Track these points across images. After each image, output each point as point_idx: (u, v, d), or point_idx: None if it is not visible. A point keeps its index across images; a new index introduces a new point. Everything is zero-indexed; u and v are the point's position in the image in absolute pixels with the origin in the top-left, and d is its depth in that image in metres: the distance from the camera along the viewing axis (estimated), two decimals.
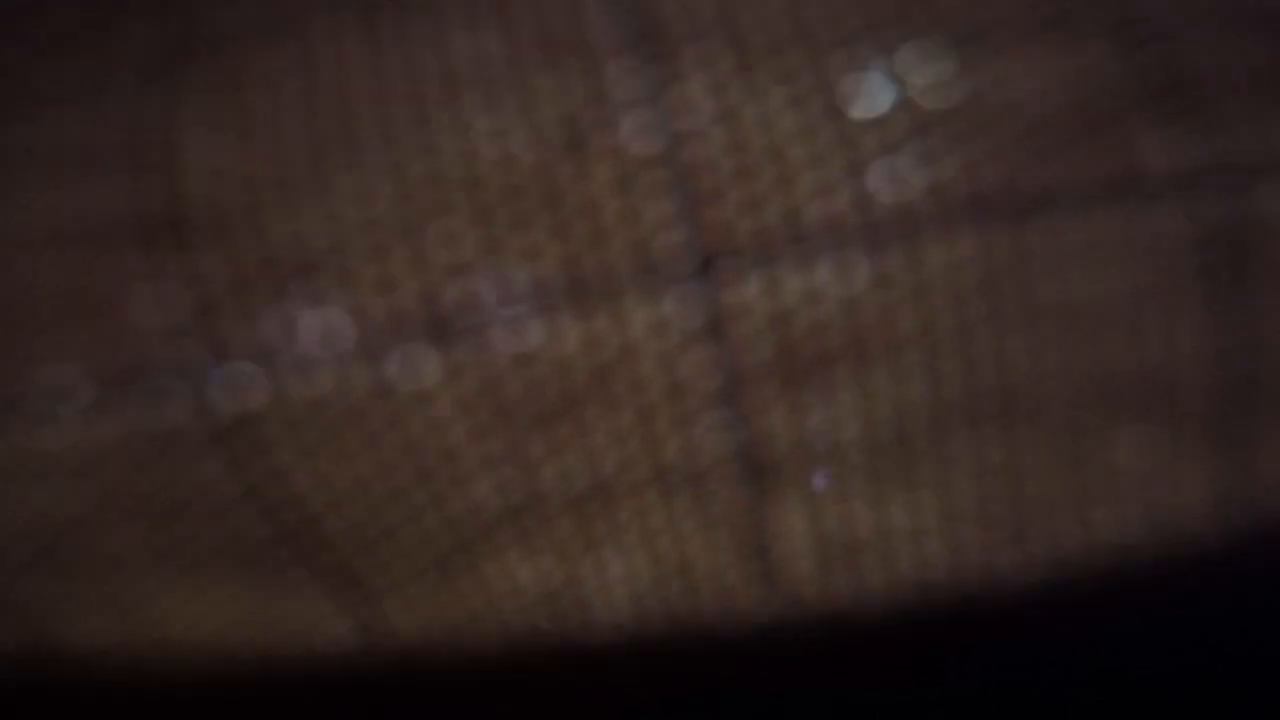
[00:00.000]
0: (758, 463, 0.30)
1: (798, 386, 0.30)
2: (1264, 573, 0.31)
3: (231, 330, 0.29)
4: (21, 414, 0.30)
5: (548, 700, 0.31)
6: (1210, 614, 0.32)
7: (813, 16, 0.30)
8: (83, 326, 0.29)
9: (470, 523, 0.30)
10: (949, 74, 0.30)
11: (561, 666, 0.31)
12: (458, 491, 0.30)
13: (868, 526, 0.31)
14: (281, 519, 0.30)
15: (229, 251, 0.29)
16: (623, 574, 0.31)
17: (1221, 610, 0.32)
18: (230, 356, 0.29)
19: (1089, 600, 0.31)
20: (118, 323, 0.29)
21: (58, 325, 0.30)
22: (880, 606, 0.31)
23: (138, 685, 0.31)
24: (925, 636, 0.31)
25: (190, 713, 0.31)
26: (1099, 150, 0.30)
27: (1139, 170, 0.30)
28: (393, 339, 0.30)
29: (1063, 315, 0.30)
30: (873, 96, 0.30)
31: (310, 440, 0.30)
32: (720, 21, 0.30)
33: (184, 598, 0.30)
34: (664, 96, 0.30)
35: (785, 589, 0.31)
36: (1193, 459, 0.31)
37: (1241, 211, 0.30)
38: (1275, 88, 0.30)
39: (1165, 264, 0.30)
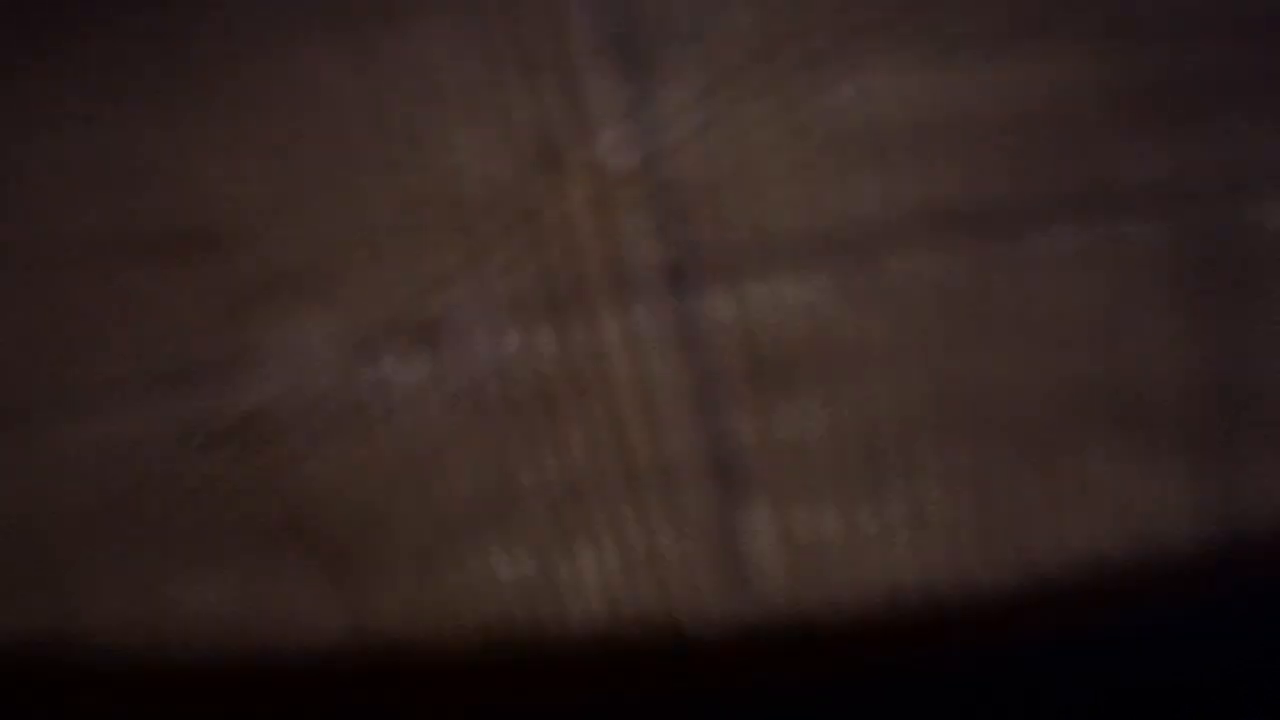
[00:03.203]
0: (727, 467, 0.32)
1: (766, 394, 0.31)
2: (1242, 582, 0.32)
3: (252, 332, 0.32)
4: (67, 408, 0.32)
5: (522, 688, 0.33)
6: (1187, 623, 0.32)
7: (783, 32, 0.31)
8: (119, 328, 0.32)
9: (453, 515, 0.32)
10: (916, 88, 0.31)
11: (536, 658, 0.32)
12: (442, 485, 0.32)
13: (836, 532, 0.32)
14: (289, 503, 0.32)
15: (253, 261, 0.32)
16: (596, 572, 0.32)
17: (1199, 619, 0.32)
18: (251, 355, 0.32)
19: (1062, 607, 0.32)
20: (152, 325, 0.32)
21: (104, 323, 0.32)
22: (849, 610, 0.32)
23: (154, 665, 0.33)
24: (893, 639, 0.32)
25: (198, 691, 0.33)
26: (1068, 160, 0.31)
27: (1109, 180, 0.31)
28: (387, 342, 0.31)
29: (1031, 325, 0.31)
30: (840, 113, 0.31)
31: (317, 430, 0.32)
32: (695, 39, 0.31)
33: (199, 580, 0.33)
34: (641, 112, 0.31)
35: (755, 591, 0.32)
36: (1169, 468, 0.32)
37: (1214, 222, 0.31)
38: (1253, 99, 0.31)
39: (1135, 273, 0.31)
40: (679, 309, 0.31)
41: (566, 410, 0.32)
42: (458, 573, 0.32)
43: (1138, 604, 0.32)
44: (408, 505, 0.32)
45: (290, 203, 0.32)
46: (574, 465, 0.32)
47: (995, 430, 0.32)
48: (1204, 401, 0.32)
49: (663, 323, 0.31)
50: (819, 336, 0.31)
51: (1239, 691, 0.32)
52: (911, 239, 0.31)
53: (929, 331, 0.31)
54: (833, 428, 0.32)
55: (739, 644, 0.32)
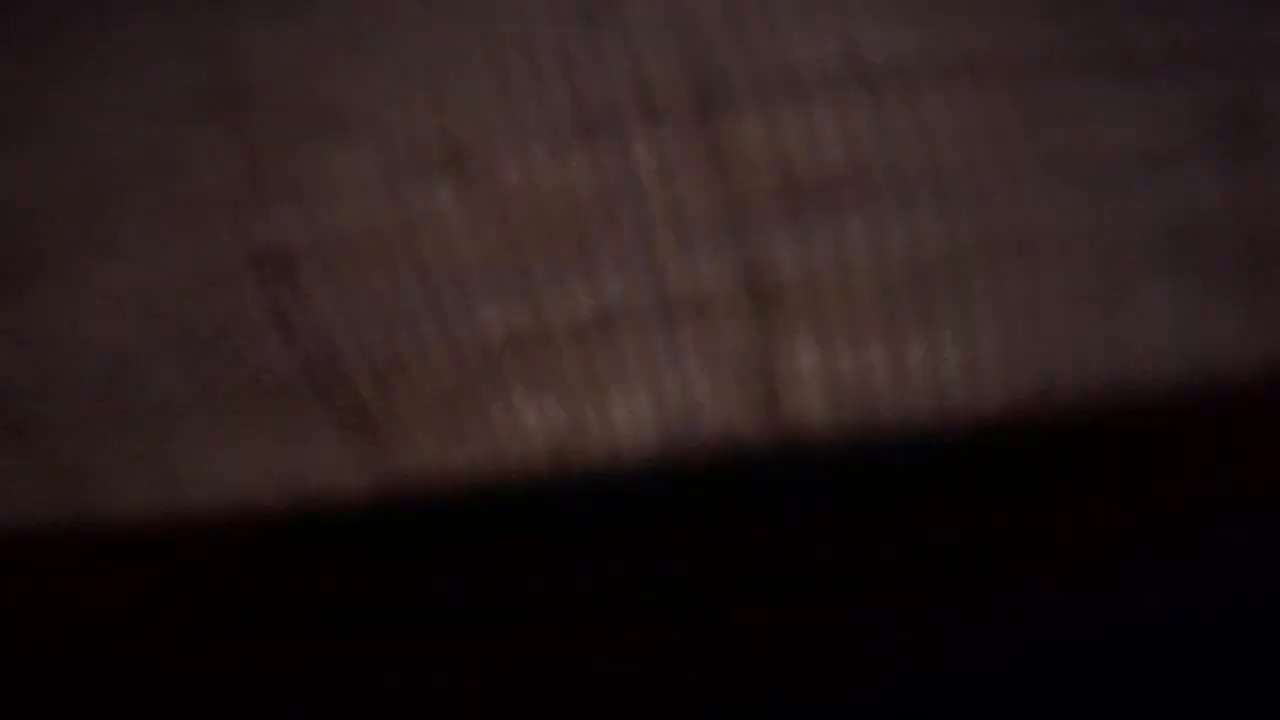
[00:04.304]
0: (762, 293, 0.31)
1: (800, 213, 0.31)
2: None
3: (274, 174, 0.32)
4: (98, 253, 0.32)
5: (547, 549, 0.32)
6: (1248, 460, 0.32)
7: None
8: (158, 180, 0.32)
9: (475, 353, 0.31)
10: None
11: (564, 517, 0.31)
12: (464, 317, 0.31)
13: (883, 369, 0.31)
14: (304, 349, 0.32)
15: (277, 111, 0.32)
16: (627, 417, 0.31)
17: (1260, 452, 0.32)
18: (272, 196, 0.32)
19: (1119, 448, 0.32)
20: (185, 175, 0.32)
21: (130, 178, 0.32)
22: (895, 448, 0.31)
23: (167, 540, 0.32)
24: (940, 479, 0.31)
25: (217, 565, 0.32)
26: (1089, 28, 0.31)
27: (1130, 47, 0.31)
28: (415, 174, 0.31)
29: (1073, 164, 0.31)
30: None
31: (337, 267, 0.31)
32: None
33: (217, 449, 0.32)
34: None
35: (793, 429, 0.31)
36: (1227, 306, 0.31)
37: (1241, 94, 0.31)
38: None
39: (1169, 129, 0.31)
40: (709, 133, 0.31)
41: (594, 229, 0.31)
42: (483, 426, 0.31)
43: (1209, 445, 0.32)
44: (428, 345, 0.32)
45: (318, 53, 0.32)
46: (601, 289, 0.31)
47: (1048, 265, 0.31)
48: (1255, 244, 0.31)
49: (692, 146, 0.31)
50: (858, 165, 0.31)
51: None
52: (941, 80, 0.31)
53: (975, 167, 0.31)
54: (875, 259, 0.31)
55: (778, 486, 0.32)
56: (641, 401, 0.31)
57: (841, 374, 0.31)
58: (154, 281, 0.32)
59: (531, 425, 0.31)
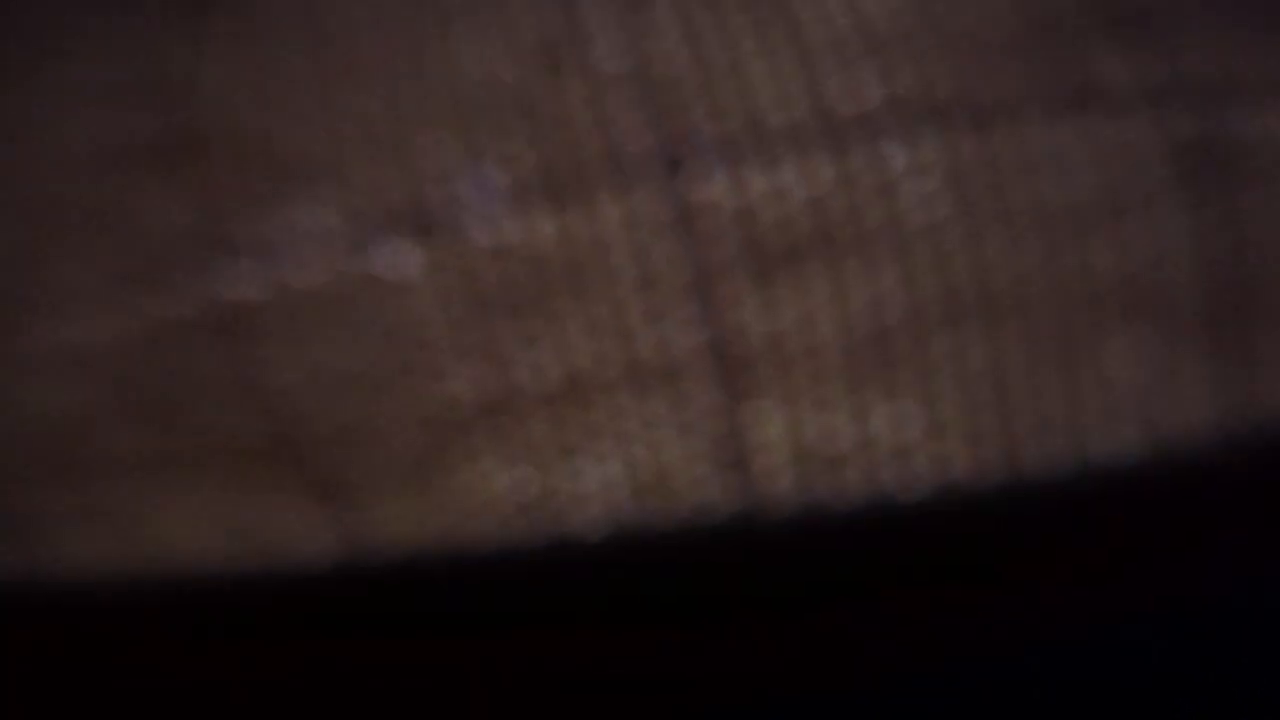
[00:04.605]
0: (731, 361, 0.31)
1: (768, 280, 0.31)
2: (1269, 486, 0.31)
3: (237, 229, 0.31)
4: (36, 310, 0.31)
5: (524, 612, 0.32)
6: (1211, 530, 0.31)
7: None
8: (105, 233, 0.31)
9: (446, 420, 0.31)
10: (901, 3, 0.31)
11: (539, 580, 0.31)
12: (434, 385, 0.31)
13: (847, 435, 0.31)
14: (274, 413, 0.31)
15: (238, 161, 0.31)
16: (599, 483, 0.31)
17: (1222, 525, 0.32)
18: (235, 252, 0.31)
19: (1082, 517, 0.32)
20: (135, 227, 0.31)
21: (81, 231, 0.31)
22: (860, 515, 0.31)
23: (132, 602, 0.32)
24: (910, 549, 0.31)
25: (180, 629, 0.32)
26: (1059, 66, 0.31)
27: (1101, 85, 0.31)
28: (381, 234, 0.31)
29: (1038, 217, 0.31)
30: (829, 20, 0.31)
31: (302, 329, 0.31)
32: None
33: (180, 507, 0.31)
34: (633, 22, 0.31)
35: (761, 496, 0.31)
36: (1190, 366, 0.31)
37: (1213, 129, 0.31)
38: (1234, 11, 0.31)
39: (1139, 173, 0.31)
40: (677, 196, 0.31)
41: (564, 299, 0.31)
42: (454, 490, 0.31)
43: (1165, 515, 0.31)
44: (399, 411, 0.31)
45: (281, 103, 0.31)
46: (571, 358, 0.31)
47: (1007, 325, 0.31)
48: (1223, 296, 0.32)
49: (660, 207, 0.31)
50: (824, 227, 0.31)
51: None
52: (907, 134, 0.31)
53: (937, 225, 0.31)
54: (840, 322, 0.31)
55: (745, 551, 0.32)
56: (613, 467, 0.31)
57: (807, 439, 0.31)
58: (103, 340, 0.31)
59: (502, 491, 0.31)
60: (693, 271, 0.31)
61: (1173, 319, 0.31)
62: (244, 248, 0.31)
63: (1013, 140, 0.31)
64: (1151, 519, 0.32)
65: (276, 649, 0.32)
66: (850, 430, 0.31)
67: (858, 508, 0.31)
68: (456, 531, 0.31)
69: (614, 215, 0.31)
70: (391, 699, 0.32)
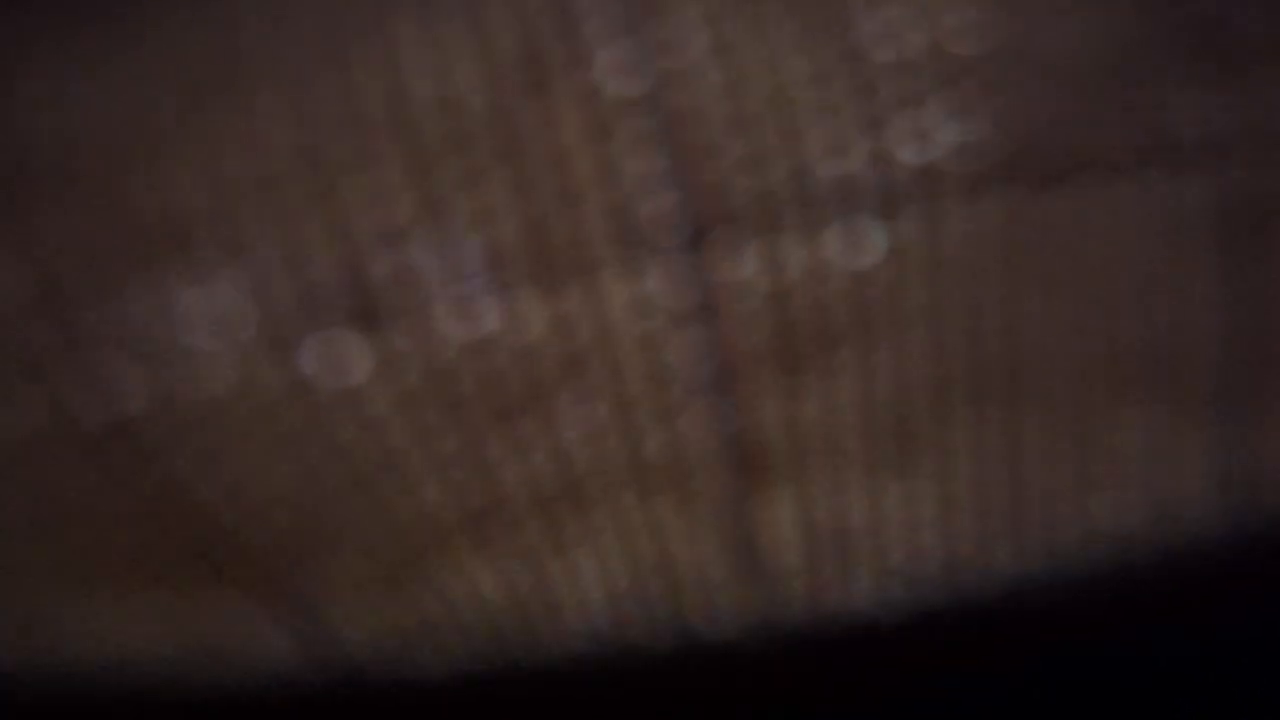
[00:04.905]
0: (747, 456, 0.26)
1: (796, 372, 0.26)
2: (1266, 562, 0.30)
3: (84, 314, 0.24)
4: None
5: (516, 715, 0.28)
6: (1211, 605, 0.30)
7: None
8: None
9: (420, 531, 0.26)
10: (982, 16, 0.25)
11: (530, 677, 0.27)
12: (403, 498, 0.26)
13: (861, 519, 0.27)
14: (192, 530, 0.25)
15: (79, 219, 0.24)
16: (597, 577, 0.27)
17: (1222, 600, 0.30)
18: (85, 347, 0.24)
19: (1086, 591, 0.29)
20: (13, 303, 0.24)
21: None
22: (871, 602, 0.28)
23: (47, 706, 0.27)
24: (918, 633, 0.29)
25: None
26: (1133, 112, 0.26)
27: (1170, 136, 0.26)
28: (306, 324, 0.24)
29: (1077, 287, 0.26)
30: (897, 37, 0.25)
31: (210, 446, 0.25)
32: None
33: (97, 610, 0.26)
34: (647, 27, 0.24)
35: (772, 587, 0.28)
36: (1195, 440, 0.28)
37: (1268, 184, 0.26)
38: None
39: (1185, 235, 0.26)
40: (699, 273, 0.25)
41: (560, 400, 0.25)
42: (431, 591, 0.26)
43: (1166, 586, 0.29)
44: (361, 520, 0.26)
45: (156, 138, 0.23)
46: (570, 464, 0.26)
47: (1027, 400, 0.27)
48: (1237, 370, 0.28)
49: (680, 290, 0.25)
50: (857, 302, 0.26)
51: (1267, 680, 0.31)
52: (971, 193, 0.25)
53: (974, 296, 0.26)
54: (865, 406, 0.26)
55: (757, 645, 0.28)
56: (613, 561, 0.27)
57: (818, 522, 0.27)
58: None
59: (489, 591, 0.27)
60: (713, 366, 0.26)
61: (1185, 387, 0.28)
62: (96, 341, 0.24)
63: (1071, 199, 0.26)
64: (1150, 584, 0.29)
65: None
66: (862, 509, 0.27)
67: (866, 588, 0.28)
68: (436, 629, 0.27)
69: (622, 299, 0.25)
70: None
